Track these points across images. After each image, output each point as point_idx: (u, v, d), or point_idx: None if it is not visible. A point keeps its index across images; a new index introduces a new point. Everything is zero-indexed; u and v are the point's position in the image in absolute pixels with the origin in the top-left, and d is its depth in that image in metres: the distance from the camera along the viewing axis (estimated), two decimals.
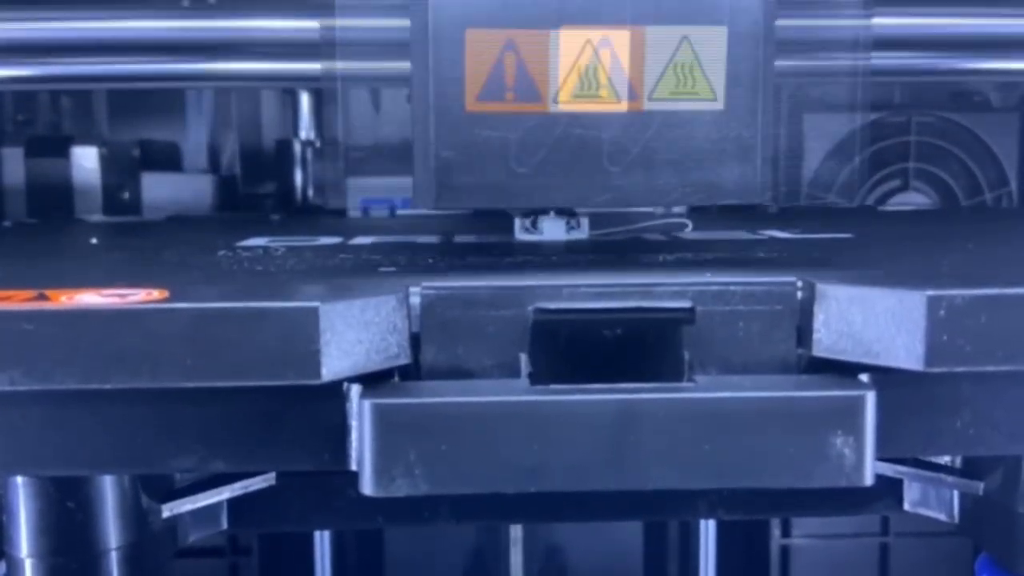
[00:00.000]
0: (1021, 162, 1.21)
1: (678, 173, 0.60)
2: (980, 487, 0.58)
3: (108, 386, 0.44)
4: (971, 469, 0.59)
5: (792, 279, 0.49)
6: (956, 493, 0.60)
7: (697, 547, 1.10)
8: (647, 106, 0.59)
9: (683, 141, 0.60)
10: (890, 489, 0.62)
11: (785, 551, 1.11)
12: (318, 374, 0.44)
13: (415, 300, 0.48)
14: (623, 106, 0.59)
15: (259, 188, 1.24)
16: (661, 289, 0.49)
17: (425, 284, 0.48)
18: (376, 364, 0.46)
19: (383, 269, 0.57)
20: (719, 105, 0.59)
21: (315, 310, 0.44)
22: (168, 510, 0.57)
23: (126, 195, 1.17)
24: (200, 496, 0.58)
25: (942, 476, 0.59)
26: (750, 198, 0.60)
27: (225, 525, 0.60)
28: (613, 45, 0.58)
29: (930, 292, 0.45)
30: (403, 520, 0.64)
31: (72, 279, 0.53)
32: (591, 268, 0.57)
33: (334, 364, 0.45)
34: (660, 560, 1.16)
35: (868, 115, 1.16)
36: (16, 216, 1.10)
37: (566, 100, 0.58)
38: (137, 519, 0.55)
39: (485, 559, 1.16)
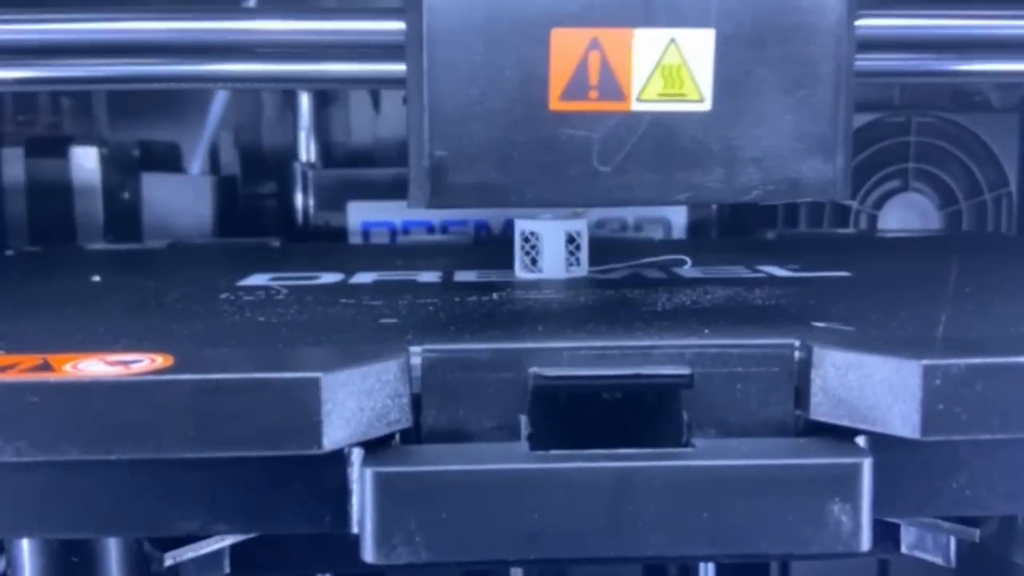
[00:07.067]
0: (1021, 162, 1.21)
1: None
2: (976, 534, 0.58)
3: (112, 457, 0.44)
4: (967, 516, 0.59)
5: (790, 341, 0.49)
6: (953, 538, 0.61)
7: None
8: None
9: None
10: (887, 532, 0.62)
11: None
12: (319, 444, 0.44)
13: (416, 361, 0.49)
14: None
15: (259, 189, 1.23)
16: (660, 352, 0.49)
17: (426, 347, 0.49)
18: (377, 431, 0.47)
19: (384, 321, 0.57)
20: None
21: (316, 381, 0.44)
22: (171, 558, 0.57)
23: (126, 195, 1.16)
24: (203, 544, 0.58)
25: (938, 522, 0.60)
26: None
27: (227, 570, 0.60)
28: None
29: (926, 361, 0.45)
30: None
31: (76, 337, 0.54)
32: (590, 320, 0.57)
33: (335, 433, 0.45)
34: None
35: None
36: (15, 216, 1.10)
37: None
38: (140, 571, 0.55)
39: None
